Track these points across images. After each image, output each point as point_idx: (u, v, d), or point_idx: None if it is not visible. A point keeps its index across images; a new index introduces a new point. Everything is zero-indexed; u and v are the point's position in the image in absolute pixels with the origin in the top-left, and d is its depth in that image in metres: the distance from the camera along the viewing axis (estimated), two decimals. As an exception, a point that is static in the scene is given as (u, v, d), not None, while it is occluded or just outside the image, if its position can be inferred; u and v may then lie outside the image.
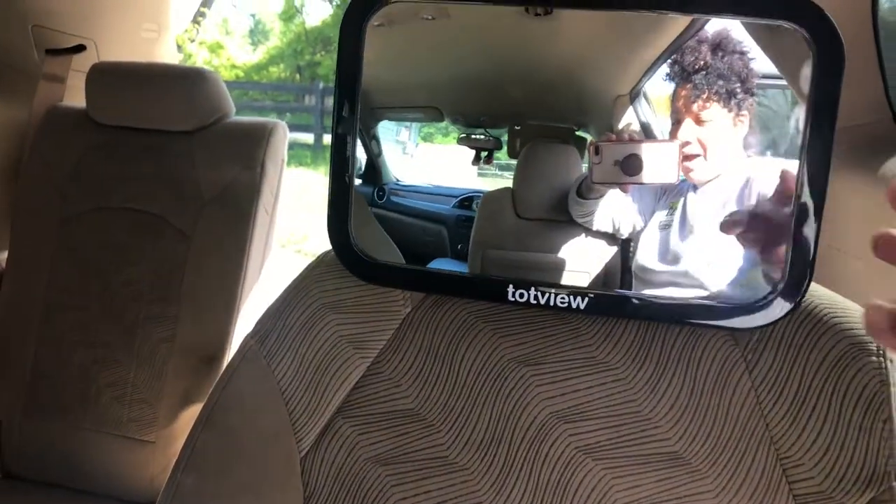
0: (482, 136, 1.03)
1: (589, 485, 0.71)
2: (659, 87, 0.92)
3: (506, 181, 1.00)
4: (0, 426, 1.67)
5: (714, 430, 0.70)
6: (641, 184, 0.87)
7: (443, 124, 1.07)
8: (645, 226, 0.92)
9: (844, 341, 0.67)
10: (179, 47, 10.77)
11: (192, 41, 11.49)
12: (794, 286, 0.64)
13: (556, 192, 0.96)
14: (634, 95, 0.92)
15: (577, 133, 1.01)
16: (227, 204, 1.65)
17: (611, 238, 0.94)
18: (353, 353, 0.76)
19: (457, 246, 1.02)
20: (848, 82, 1.34)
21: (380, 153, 1.06)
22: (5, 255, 1.77)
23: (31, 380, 1.67)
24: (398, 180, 1.08)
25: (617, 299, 0.71)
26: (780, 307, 0.64)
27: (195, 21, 10.89)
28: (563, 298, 0.68)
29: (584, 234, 0.94)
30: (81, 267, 1.70)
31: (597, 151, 0.83)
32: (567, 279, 0.93)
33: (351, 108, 0.69)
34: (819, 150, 0.62)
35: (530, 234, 0.96)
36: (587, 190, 0.94)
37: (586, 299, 0.68)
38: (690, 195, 0.90)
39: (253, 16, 17.16)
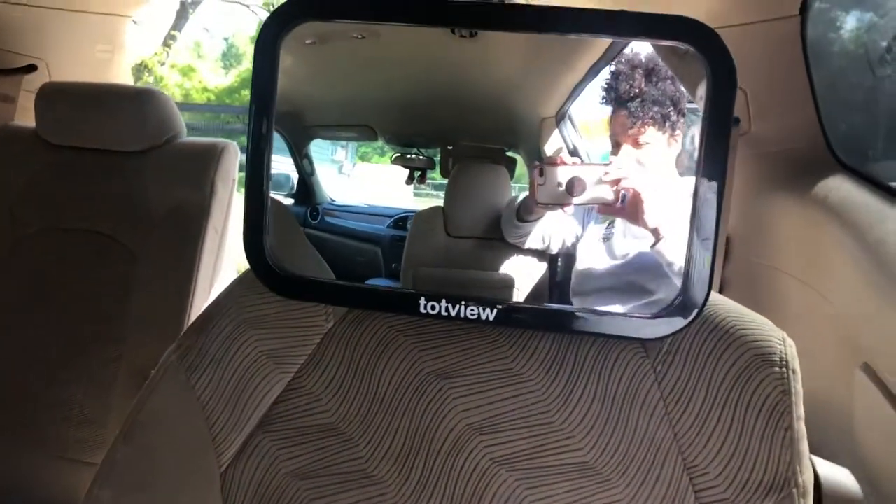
0: (416, 156, 1.05)
1: (503, 496, 0.72)
2: (586, 110, 0.95)
3: (440, 200, 1.02)
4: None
5: (624, 440, 0.71)
6: (585, 204, 0.89)
7: (378, 144, 1.09)
8: (578, 240, 0.95)
9: (749, 353, 0.69)
10: (149, 70, 10.77)
11: (163, 64, 11.45)
12: (693, 299, 0.66)
13: (486, 210, 0.98)
14: (560, 118, 0.95)
15: (508, 153, 1.03)
16: (176, 224, 1.65)
17: (540, 254, 0.96)
18: (274, 367, 0.77)
19: (391, 265, 1.03)
20: (782, 109, 1.38)
21: (312, 172, 1.08)
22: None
23: (-28, 400, 1.65)
24: (333, 200, 1.09)
25: (526, 311, 0.73)
26: (680, 319, 0.67)
27: (165, 44, 10.87)
28: (472, 310, 0.70)
29: (514, 252, 0.96)
30: (31, 287, 1.68)
31: (541, 173, 0.84)
32: (496, 296, 0.95)
33: (267, 125, 0.70)
34: (714, 164, 0.64)
35: (461, 252, 0.98)
36: (526, 212, 0.96)
37: (495, 310, 0.70)
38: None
39: (226, 39, 17.16)
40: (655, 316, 0.67)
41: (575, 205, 0.86)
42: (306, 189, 1.08)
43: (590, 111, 0.94)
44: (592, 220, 0.96)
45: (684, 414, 0.71)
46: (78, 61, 1.96)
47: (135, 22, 2.02)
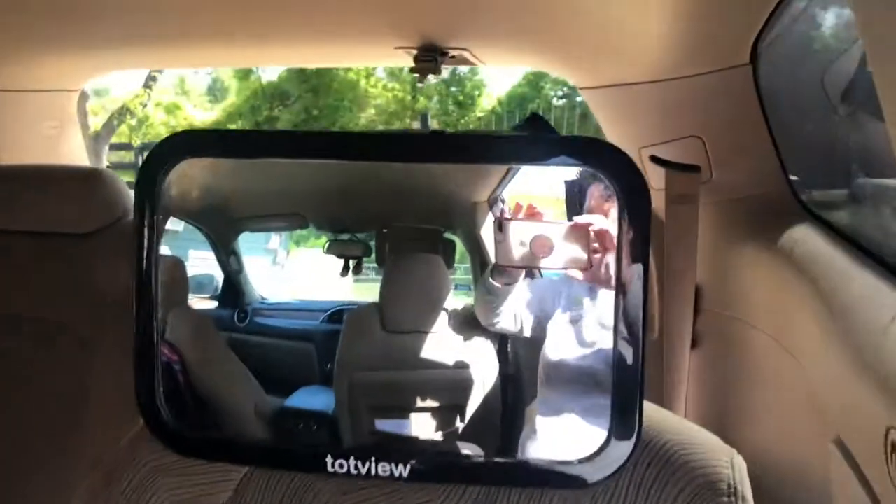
0: (350, 240, 0.99)
1: None
2: (524, 191, 0.89)
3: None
4: None
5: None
6: (551, 269, 0.82)
7: (310, 231, 1.03)
8: (547, 320, 0.88)
9: (695, 482, 0.63)
10: (131, 112, 10.77)
11: (145, 105, 11.45)
12: (626, 426, 0.60)
13: (424, 303, 0.92)
14: (493, 202, 0.89)
15: (445, 235, 0.97)
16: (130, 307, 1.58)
17: (487, 343, 0.90)
18: None
19: (326, 366, 0.97)
20: (742, 155, 1.34)
21: (240, 269, 1.01)
22: None
23: None
24: (263, 298, 1.03)
25: (445, 464, 0.66)
26: (614, 459, 0.60)
27: (146, 86, 10.87)
28: (384, 467, 0.63)
29: (458, 344, 0.89)
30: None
31: (500, 227, 0.75)
32: (441, 397, 0.88)
33: (154, 272, 0.64)
34: (631, 289, 0.58)
35: (400, 348, 0.91)
36: (499, 274, 0.90)
37: (409, 466, 0.63)
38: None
39: (209, 73, 17.16)
40: (587, 459, 0.60)
41: (541, 269, 0.80)
42: (233, 289, 1.01)
43: (529, 191, 0.88)
44: (562, 295, 0.89)
45: (629, 552, 0.64)
46: (25, 141, 1.90)
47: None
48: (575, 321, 0.85)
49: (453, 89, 14.30)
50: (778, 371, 1.13)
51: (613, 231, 0.69)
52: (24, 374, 1.58)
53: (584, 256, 0.74)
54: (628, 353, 0.59)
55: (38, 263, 1.63)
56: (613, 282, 0.60)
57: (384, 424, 0.88)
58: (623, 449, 0.60)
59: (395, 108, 14.54)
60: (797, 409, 1.05)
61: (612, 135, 1.52)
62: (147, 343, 0.64)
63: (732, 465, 0.64)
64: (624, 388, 0.59)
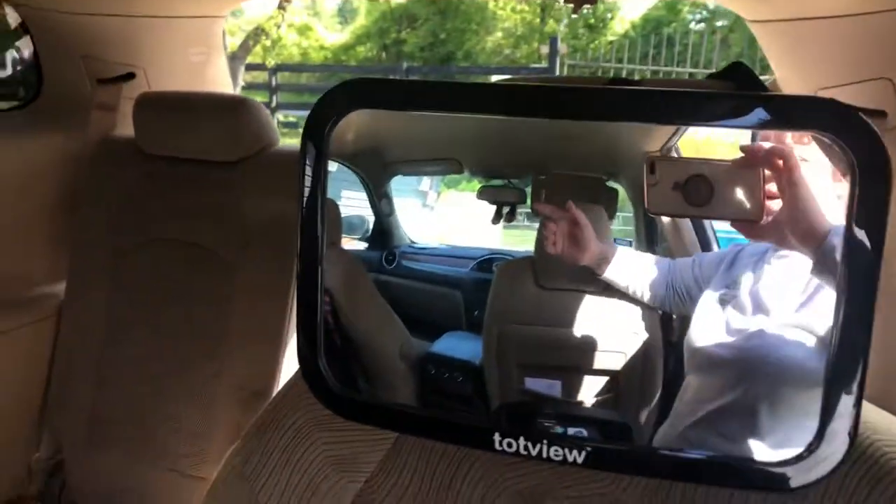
0: (504, 186, 0.94)
1: None
2: (701, 140, 0.81)
3: (534, 232, 0.91)
4: (63, 462, 1.70)
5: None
6: (710, 218, 0.74)
7: (463, 175, 0.99)
8: (698, 298, 0.80)
9: None
10: (266, 33, 10.98)
11: (279, 26, 11.64)
12: (837, 433, 0.52)
13: (581, 256, 0.87)
14: (666, 152, 0.81)
15: (608, 184, 0.91)
16: (273, 237, 1.61)
17: (648, 310, 0.84)
18: (341, 476, 0.69)
19: (473, 313, 0.94)
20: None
21: (391, 212, 0.99)
22: (64, 285, 1.79)
23: (91, 415, 1.69)
24: (412, 242, 1.01)
25: (622, 454, 0.61)
26: (820, 462, 0.53)
27: (280, 7, 11.03)
28: (557, 451, 0.59)
29: (621, 307, 0.84)
30: (135, 301, 1.70)
31: (652, 169, 0.65)
32: (597, 360, 0.83)
33: (318, 233, 0.61)
34: (861, 282, 0.50)
35: (554, 305, 0.87)
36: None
37: (584, 452, 0.58)
38: (768, 266, 0.76)
39: (341, -6, 17.24)
40: (793, 460, 0.54)
41: (699, 218, 0.71)
42: (382, 231, 0.99)
43: (706, 140, 0.80)
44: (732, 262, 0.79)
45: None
46: (174, 66, 1.94)
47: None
48: (724, 300, 0.76)
49: (584, 11, 13.78)
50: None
51: (799, 167, 0.59)
52: (178, 296, 1.65)
53: (757, 206, 0.61)
54: (850, 341, 0.51)
55: (189, 190, 1.68)
56: (813, 239, 0.52)
57: (534, 383, 0.85)
58: (834, 451, 0.53)
59: (524, 31, 14.19)
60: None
61: (784, 74, 1.39)
62: (311, 294, 0.62)
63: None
64: (841, 380, 0.52)
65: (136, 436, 1.66)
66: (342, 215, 0.89)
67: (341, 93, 0.58)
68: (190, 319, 1.65)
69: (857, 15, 1.17)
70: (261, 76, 11.67)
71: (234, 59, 10.01)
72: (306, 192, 0.61)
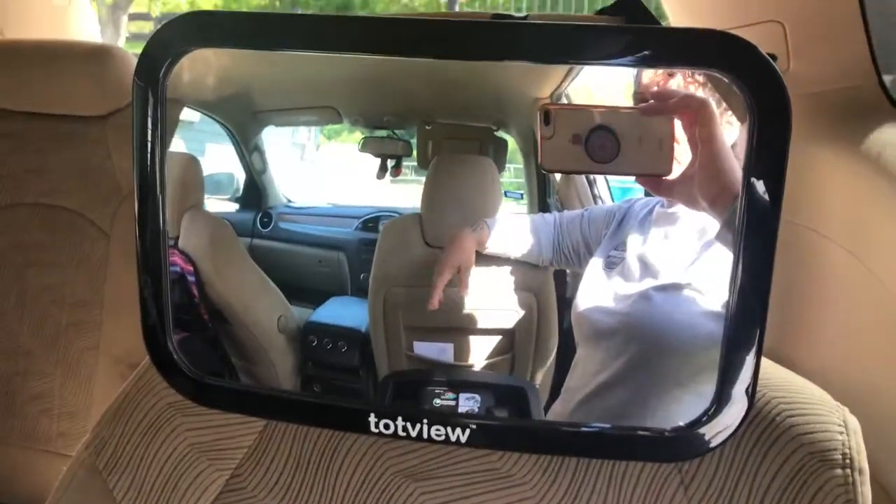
0: (388, 137, 0.87)
1: None
2: (591, 86, 0.76)
3: (421, 186, 0.85)
4: (-77, 443, 1.56)
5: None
6: (615, 174, 0.68)
7: (345, 125, 0.92)
8: (587, 259, 0.75)
9: (802, 449, 0.53)
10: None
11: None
12: (735, 397, 0.49)
13: (472, 213, 0.81)
14: (556, 99, 0.76)
15: (496, 133, 0.85)
16: (148, 197, 1.49)
17: (540, 268, 0.79)
18: (207, 464, 0.62)
19: (359, 276, 0.87)
20: (826, 42, 1.18)
21: (264, 169, 0.90)
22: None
23: (-50, 394, 1.55)
24: (289, 201, 0.93)
25: (507, 430, 0.56)
26: (715, 434, 0.50)
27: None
28: (438, 430, 0.53)
29: (509, 264, 0.79)
30: (-3, 270, 1.55)
31: (546, 119, 0.55)
32: (489, 320, 0.79)
33: (160, 181, 0.53)
34: (760, 233, 0.46)
35: (442, 264, 0.81)
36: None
37: (467, 431, 0.53)
38: (655, 223, 0.72)
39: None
40: (680, 430, 0.50)
41: (602, 174, 0.65)
42: (255, 190, 0.91)
43: (595, 87, 0.75)
44: (621, 222, 0.74)
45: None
46: (32, 12, 1.76)
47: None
48: (610, 264, 0.72)
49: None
50: (855, 291, 1.02)
51: (716, 119, 0.53)
52: (45, 264, 1.52)
53: (667, 160, 0.54)
54: (749, 296, 0.47)
55: (55, 149, 1.53)
56: (725, 200, 0.48)
57: (424, 347, 0.80)
58: (733, 415, 0.49)
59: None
60: (875, 332, 0.95)
61: (678, 16, 1.36)
62: (154, 266, 0.54)
63: (847, 428, 0.53)
64: (740, 339, 0.48)
65: (3, 415, 1.53)
66: (205, 173, 0.80)
67: (177, 28, 0.50)
68: (60, 289, 1.52)
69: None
70: (147, 26, 11.10)
71: (116, 7, 9.44)
72: (140, 146, 0.52)
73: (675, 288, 0.65)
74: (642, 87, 0.65)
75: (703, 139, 0.53)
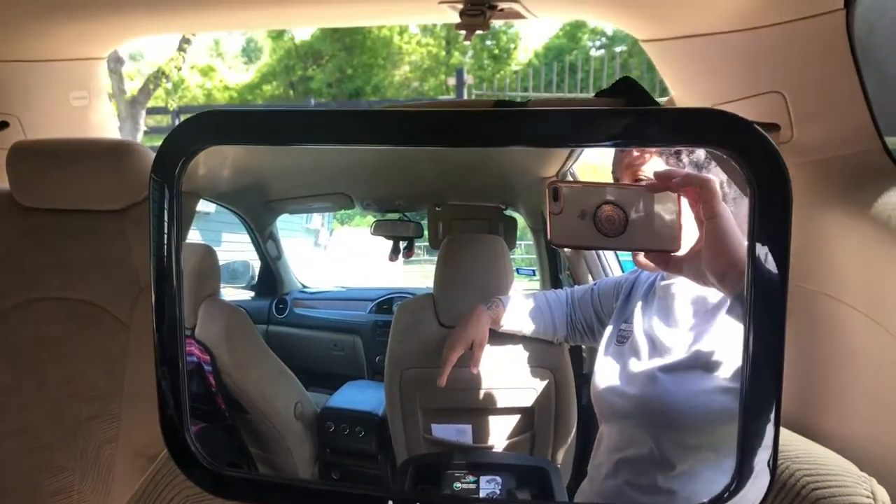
0: (399, 220, 0.88)
1: None
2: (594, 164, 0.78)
3: (433, 266, 0.86)
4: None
5: None
6: (622, 249, 0.68)
7: (355, 210, 0.93)
8: (601, 334, 0.75)
9: None
10: (167, 76, 10.77)
11: (179, 69, 11.43)
12: (757, 472, 0.48)
13: (484, 291, 0.82)
14: (562, 177, 0.77)
15: (506, 212, 0.86)
16: (166, 288, 1.50)
17: (556, 344, 0.79)
18: None
19: (374, 359, 0.88)
20: (828, 111, 1.20)
21: (279, 256, 0.92)
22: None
23: (-28, 491, 1.54)
24: (304, 287, 0.94)
25: None
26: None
27: (180, 49, 10.87)
28: None
29: (523, 343, 0.79)
30: (16, 364, 1.56)
31: (556, 196, 0.56)
32: (507, 399, 0.78)
33: (175, 285, 0.54)
34: (767, 309, 0.46)
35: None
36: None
37: None
38: (658, 297, 0.72)
39: (244, 35, 17.10)
40: None
41: (610, 249, 0.65)
42: (271, 277, 0.92)
43: (601, 165, 0.77)
44: (637, 289, 0.74)
45: None
46: (53, 112, 1.82)
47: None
48: (622, 338, 0.72)
49: (488, 43, 14.07)
50: (874, 353, 1.01)
51: (718, 196, 0.54)
52: (67, 357, 1.53)
53: (675, 236, 0.55)
54: (764, 367, 0.47)
55: (75, 243, 1.56)
56: (734, 275, 0.48)
57: (442, 430, 0.79)
58: (756, 488, 0.48)
59: (430, 64, 14.37)
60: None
61: (679, 91, 1.38)
62: (171, 359, 0.54)
63: (875, 499, 0.52)
64: (757, 412, 0.47)
65: (23, 513, 1.51)
66: (221, 262, 0.81)
67: (192, 128, 0.52)
68: (79, 382, 1.52)
69: (746, 30, 1.17)
70: (164, 120, 11.42)
71: (135, 103, 9.76)
72: (157, 238, 0.53)
73: (681, 367, 0.64)
74: (618, 170, 0.67)
75: (708, 216, 0.54)
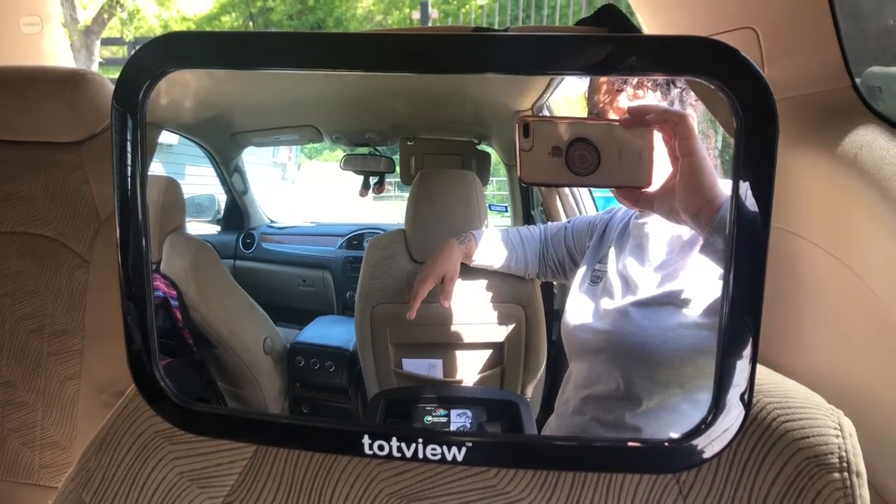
0: (370, 154, 0.86)
1: None
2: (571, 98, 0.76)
3: (405, 202, 0.85)
4: None
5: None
6: (593, 186, 0.68)
7: (326, 144, 0.91)
8: (573, 272, 0.75)
9: (799, 455, 0.53)
10: (122, 5, 10.36)
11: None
12: (733, 404, 0.49)
13: (457, 226, 0.81)
14: (537, 111, 0.76)
15: (479, 147, 0.85)
16: (126, 222, 1.47)
17: (528, 280, 0.79)
18: (198, 493, 0.61)
19: (345, 294, 0.87)
20: (799, 48, 1.19)
21: (245, 190, 0.89)
22: None
23: (-73, 429, 1.52)
24: (272, 222, 0.92)
25: (504, 446, 0.55)
26: (713, 441, 0.49)
27: (138, -26, 10.41)
28: (434, 449, 0.52)
29: (497, 277, 0.79)
30: (-27, 302, 1.52)
31: (526, 132, 0.55)
32: (478, 334, 0.78)
33: (140, 217, 0.52)
34: (752, 240, 0.46)
35: (429, 280, 0.81)
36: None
37: (464, 448, 0.52)
38: (632, 236, 0.72)
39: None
40: (678, 441, 0.50)
41: (581, 186, 0.65)
42: (237, 211, 0.90)
43: (576, 98, 0.75)
44: (613, 228, 0.74)
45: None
46: (2, 40, 1.74)
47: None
48: (595, 278, 0.72)
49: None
50: (840, 293, 1.03)
51: (694, 132, 0.53)
52: (23, 293, 1.50)
53: (647, 172, 0.54)
54: (743, 303, 0.46)
55: (31, 176, 1.51)
56: (708, 214, 0.48)
57: (413, 364, 0.79)
58: (730, 423, 0.49)
59: (394, -4, 14.07)
60: (862, 335, 0.95)
61: (651, 25, 1.37)
62: (137, 293, 0.53)
63: (842, 431, 0.53)
64: (735, 348, 0.47)
65: (-15, 449, 1.50)
66: (185, 196, 0.79)
67: (155, 51, 0.49)
68: (39, 318, 1.50)
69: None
70: (120, 51, 11.04)
71: (89, 33, 9.39)
72: (120, 170, 0.51)
73: (653, 303, 0.65)
74: (591, 104, 0.66)
75: (683, 153, 0.53)
